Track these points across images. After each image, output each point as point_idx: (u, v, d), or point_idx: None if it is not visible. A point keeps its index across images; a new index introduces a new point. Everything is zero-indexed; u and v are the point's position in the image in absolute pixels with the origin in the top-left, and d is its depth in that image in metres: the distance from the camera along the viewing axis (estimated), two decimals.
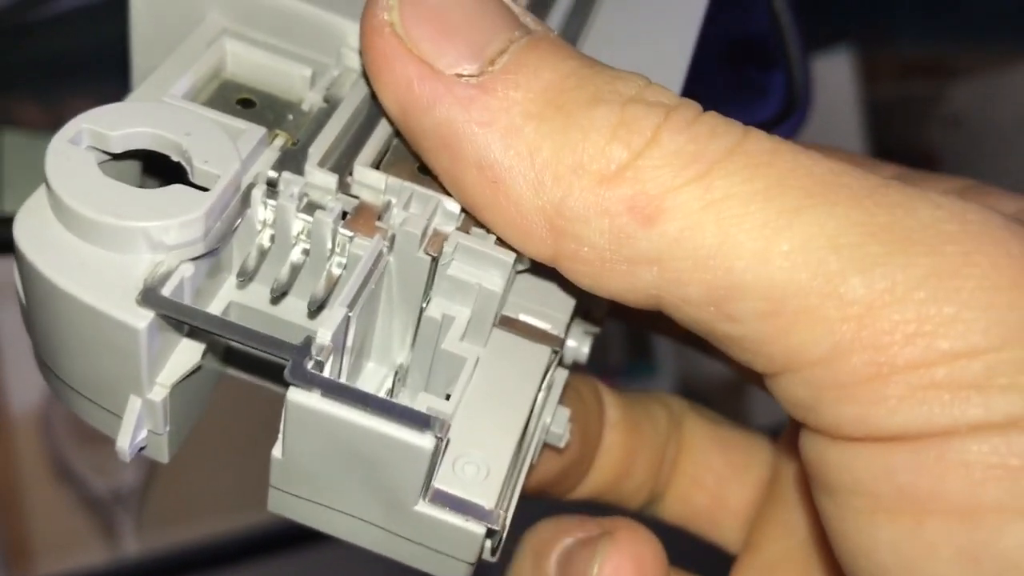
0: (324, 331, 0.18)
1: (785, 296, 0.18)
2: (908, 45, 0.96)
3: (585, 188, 0.19)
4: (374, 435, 0.18)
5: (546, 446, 0.24)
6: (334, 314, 0.19)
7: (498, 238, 0.21)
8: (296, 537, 0.84)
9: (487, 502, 0.19)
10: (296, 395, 0.18)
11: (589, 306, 0.26)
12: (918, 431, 0.18)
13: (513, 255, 0.21)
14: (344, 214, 0.20)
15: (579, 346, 0.25)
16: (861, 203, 0.19)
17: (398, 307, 0.21)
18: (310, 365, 0.18)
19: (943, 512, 0.18)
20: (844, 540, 0.19)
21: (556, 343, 0.22)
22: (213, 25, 0.23)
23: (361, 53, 0.21)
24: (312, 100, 0.23)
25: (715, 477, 0.31)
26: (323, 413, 0.18)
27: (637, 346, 0.93)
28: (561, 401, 0.24)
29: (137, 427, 0.20)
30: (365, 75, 0.22)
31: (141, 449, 0.21)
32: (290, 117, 0.22)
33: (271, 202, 0.20)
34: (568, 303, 0.23)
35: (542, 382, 0.22)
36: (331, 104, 0.22)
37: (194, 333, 0.20)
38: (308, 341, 0.18)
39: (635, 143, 0.19)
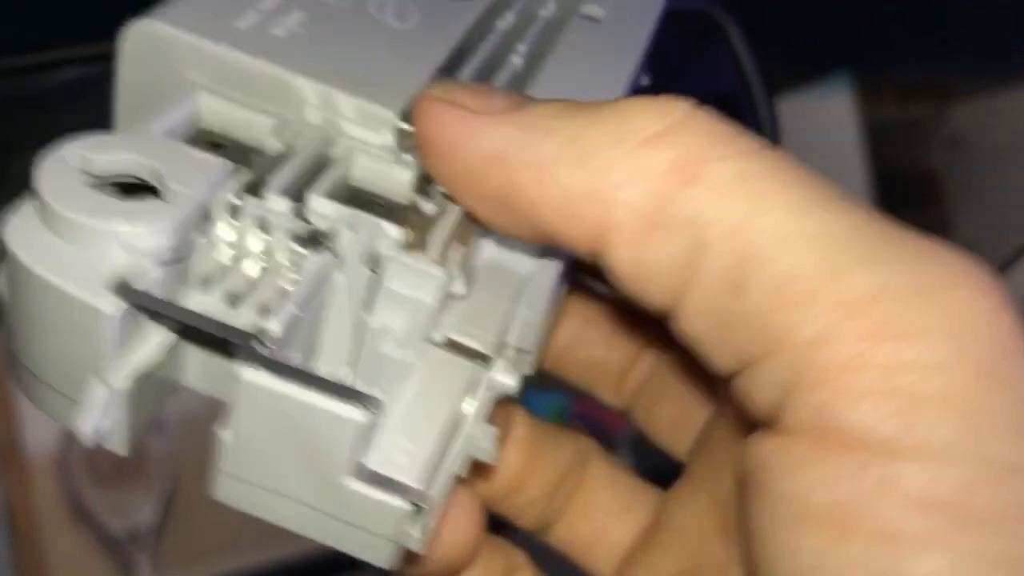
0: (275, 323, 0.21)
1: (792, 276, 0.20)
2: (907, 69, 0.97)
3: (627, 153, 0.21)
4: (312, 409, 0.21)
5: (476, 463, 0.26)
6: (285, 310, 0.22)
7: (431, 258, 0.24)
8: (311, 572, 0.84)
9: (411, 480, 0.22)
10: (246, 373, 0.21)
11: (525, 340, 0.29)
12: (864, 434, 0.19)
13: (443, 270, 0.24)
14: (298, 236, 0.23)
15: (505, 379, 0.27)
16: (873, 215, 0.21)
17: (346, 320, 0.24)
18: (261, 349, 0.21)
19: (866, 533, 0.19)
20: (771, 545, 0.20)
21: (483, 359, 0.25)
22: (191, 85, 0.26)
23: (414, 126, 0.24)
24: (275, 147, 0.25)
25: (601, 512, 0.33)
26: (269, 388, 0.21)
27: None
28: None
29: (101, 413, 0.22)
30: (324, 127, 0.25)
31: (102, 439, 0.23)
32: (254, 159, 0.25)
33: (233, 222, 0.23)
34: (494, 326, 0.26)
35: (467, 392, 0.24)
36: (290, 149, 0.25)
37: (156, 328, 0.23)
38: (259, 330, 0.21)
39: (671, 116, 0.21)
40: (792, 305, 0.20)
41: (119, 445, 0.23)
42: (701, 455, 0.31)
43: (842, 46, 0.92)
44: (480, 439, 0.25)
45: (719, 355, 0.21)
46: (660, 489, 0.33)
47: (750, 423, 0.23)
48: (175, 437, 0.94)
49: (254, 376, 0.21)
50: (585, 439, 0.34)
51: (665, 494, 0.32)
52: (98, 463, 0.91)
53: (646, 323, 0.34)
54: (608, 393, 0.35)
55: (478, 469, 0.29)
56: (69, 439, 0.91)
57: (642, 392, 0.35)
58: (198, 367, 0.25)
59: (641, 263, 0.21)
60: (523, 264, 0.27)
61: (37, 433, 0.87)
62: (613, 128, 0.22)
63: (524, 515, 0.33)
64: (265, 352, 0.21)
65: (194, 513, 0.90)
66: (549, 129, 0.22)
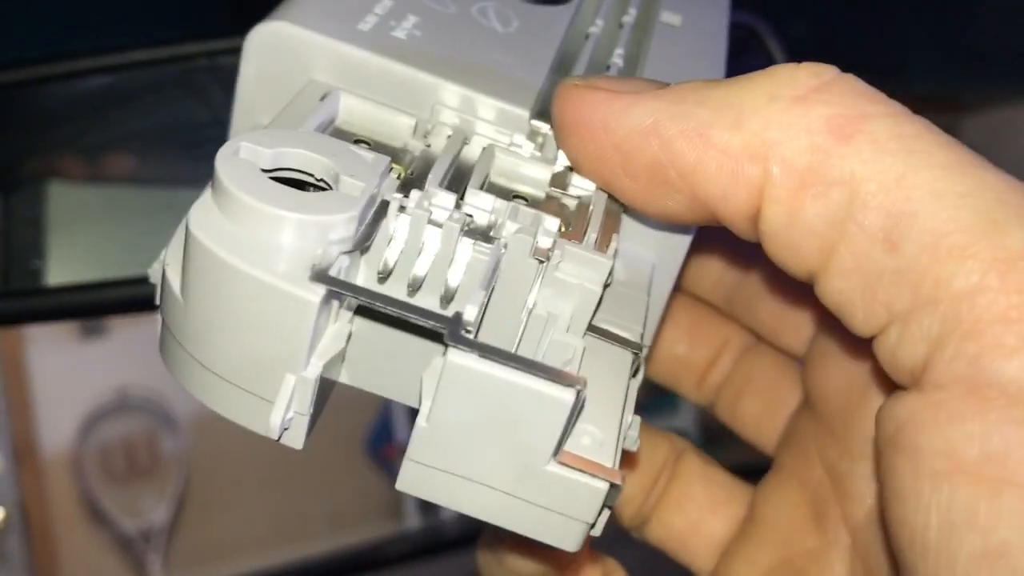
0: (471, 307, 0.21)
1: (949, 231, 0.20)
2: (920, 81, 0.97)
3: (783, 110, 0.21)
4: (524, 390, 0.21)
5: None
6: (476, 295, 0.21)
7: (596, 245, 0.24)
8: (322, 573, 0.85)
9: (608, 463, 0.22)
10: (456, 356, 0.21)
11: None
12: (1021, 386, 0.19)
13: (609, 258, 0.24)
14: (465, 229, 0.24)
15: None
16: (1017, 180, 0.21)
17: (502, 309, 0.24)
18: (463, 333, 0.21)
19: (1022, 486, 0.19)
20: (917, 502, 0.20)
21: (636, 347, 0.25)
22: (320, 85, 0.26)
23: (554, 115, 0.25)
24: (415, 145, 0.26)
25: (695, 506, 0.33)
26: (480, 372, 0.21)
27: (658, 383, 0.94)
28: None
29: (289, 405, 0.22)
30: (458, 128, 0.26)
31: (284, 432, 0.23)
32: (400, 155, 0.25)
33: (402, 216, 0.23)
34: (640, 317, 0.26)
35: (629, 379, 0.24)
36: (432, 149, 0.25)
37: (338, 319, 0.23)
38: (458, 315, 0.21)
39: (823, 75, 0.22)
40: (947, 259, 0.20)
41: (297, 438, 0.23)
42: (788, 448, 0.32)
43: (856, 57, 0.92)
44: (630, 428, 0.25)
45: (866, 313, 0.21)
46: (752, 484, 0.33)
47: (860, 400, 0.22)
48: (188, 438, 0.94)
49: (462, 358, 0.21)
50: (678, 437, 0.34)
51: (756, 488, 0.32)
52: (112, 463, 0.92)
53: (725, 319, 0.34)
54: (691, 390, 0.35)
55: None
56: (83, 439, 0.91)
57: (725, 388, 0.35)
58: (360, 362, 0.25)
59: (794, 222, 0.21)
60: (645, 254, 0.28)
61: (52, 432, 0.87)
62: (766, 88, 0.22)
63: (621, 512, 0.33)
64: (465, 335, 0.21)
65: (206, 513, 0.91)
66: (700, 97, 0.22)
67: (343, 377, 0.25)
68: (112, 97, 0.45)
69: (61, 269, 0.46)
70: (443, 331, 0.21)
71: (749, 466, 0.37)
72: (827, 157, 0.21)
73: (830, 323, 0.28)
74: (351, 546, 0.85)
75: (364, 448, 0.98)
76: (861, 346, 0.23)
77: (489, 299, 0.22)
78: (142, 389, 0.90)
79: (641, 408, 0.28)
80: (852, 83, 0.22)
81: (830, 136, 0.21)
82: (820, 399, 0.30)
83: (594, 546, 0.30)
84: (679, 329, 0.35)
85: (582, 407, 0.22)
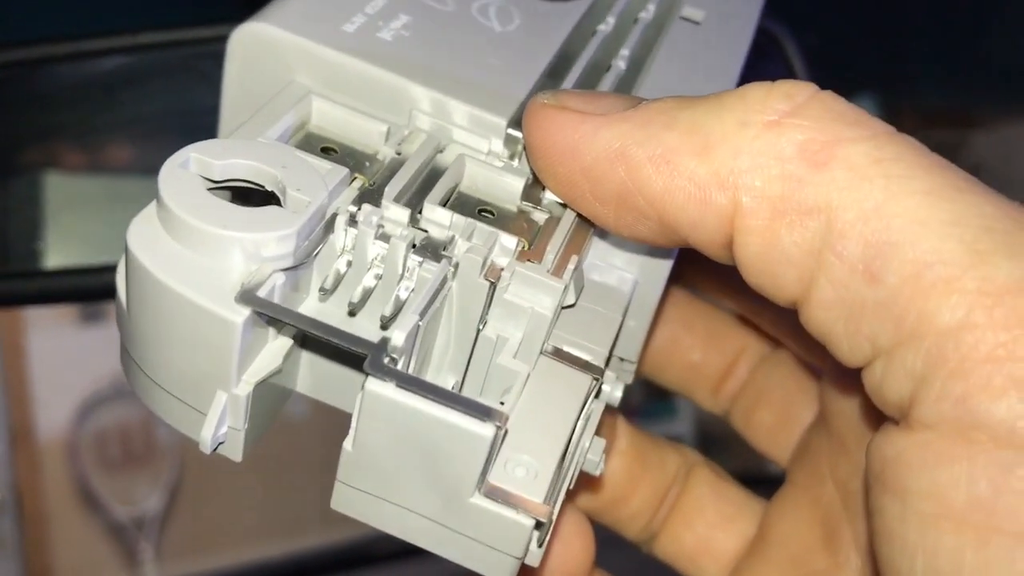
0: (399, 332, 0.21)
1: (933, 262, 0.19)
2: (930, 95, 0.97)
3: (754, 137, 0.20)
4: (441, 423, 0.20)
5: (582, 474, 0.26)
6: (407, 320, 0.21)
7: (549, 271, 0.23)
8: (313, 569, 0.84)
9: (536, 497, 0.21)
10: (373, 385, 0.20)
11: (622, 350, 0.28)
12: (1010, 429, 0.18)
13: (563, 282, 0.23)
14: (414, 245, 0.23)
15: (612, 390, 0.26)
16: (1009, 202, 0.20)
17: (456, 329, 0.23)
18: (386, 360, 0.20)
19: (1012, 534, 0.18)
20: (903, 545, 0.19)
21: (597, 372, 0.24)
22: (299, 87, 0.26)
23: (525, 133, 0.24)
24: (386, 152, 0.25)
25: (705, 522, 0.32)
26: (396, 402, 0.20)
27: (657, 389, 0.94)
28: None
29: (220, 421, 0.22)
30: (433, 133, 0.25)
31: (219, 445, 0.23)
32: (367, 164, 0.25)
33: (351, 230, 0.23)
34: (607, 338, 0.25)
35: (584, 406, 0.23)
36: (403, 156, 0.25)
37: (275, 336, 0.23)
38: (384, 341, 0.20)
39: (797, 97, 0.21)
40: (931, 292, 0.19)
41: (235, 451, 0.23)
42: (802, 463, 0.31)
43: (867, 70, 0.92)
44: (589, 452, 0.25)
45: (849, 345, 0.20)
46: (764, 499, 0.32)
47: (875, 420, 0.21)
48: None
49: (379, 387, 0.20)
50: (689, 450, 0.33)
51: (768, 504, 0.32)
52: (107, 450, 0.92)
53: (743, 327, 0.34)
54: (706, 398, 0.35)
55: (584, 482, 0.28)
56: (79, 425, 0.91)
57: (740, 397, 0.34)
58: (314, 375, 0.25)
59: (770, 252, 0.21)
60: (626, 272, 0.27)
61: (48, 418, 0.87)
62: (736, 113, 0.21)
63: (628, 526, 0.32)
64: (388, 362, 0.20)
65: (200, 503, 0.90)
66: (669, 121, 0.21)
67: (300, 387, 0.25)
68: (120, 80, 0.44)
69: (58, 260, 0.46)
70: (362, 355, 0.20)
71: (749, 474, 0.37)
72: (801, 185, 0.20)
73: None
74: (345, 541, 0.85)
75: None
76: None
77: (428, 320, 0.22)
78: None
79: (638, 414, 0.27)
80: (829, 103, 0.21)
81: (803, 163, 0.20)
82: (835, 415, 0.29)
83: (600, 550, 0.29)
84: (695, 336, 0.34)
85: (504, 440, 0.21)
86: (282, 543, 0.87)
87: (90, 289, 0.43)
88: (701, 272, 0.34)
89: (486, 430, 0.20)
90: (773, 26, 0.49)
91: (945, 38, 0.89)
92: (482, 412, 0.20)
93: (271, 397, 0.23)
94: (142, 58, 0.44)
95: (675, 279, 0.30)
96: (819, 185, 0.20)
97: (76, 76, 0.45)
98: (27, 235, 0.46)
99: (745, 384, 0.34)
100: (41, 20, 0.50)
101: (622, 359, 0.29)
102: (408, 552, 0.87)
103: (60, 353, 0.88)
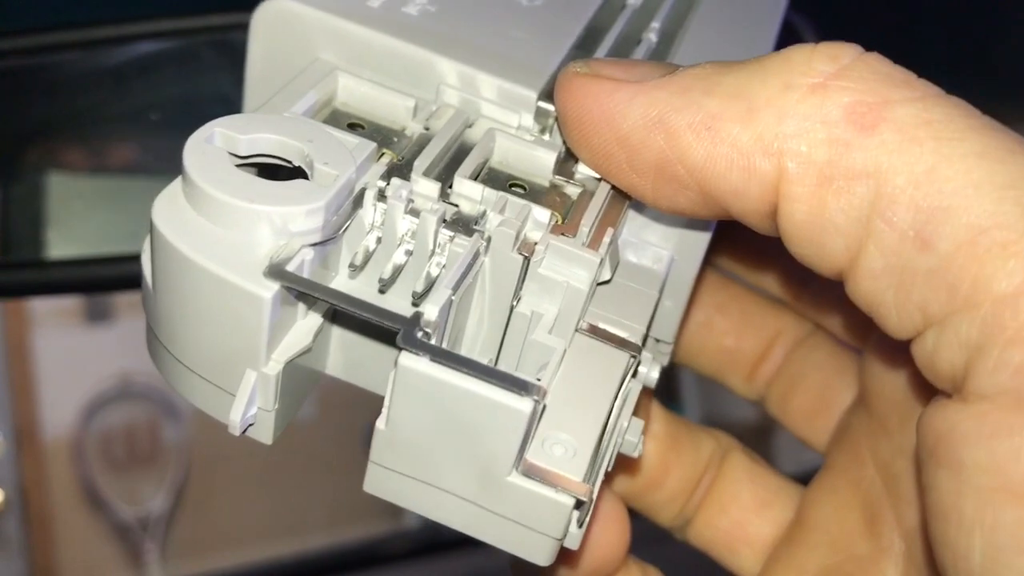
0: (431, 307, 0.20)
1: (988, 227, 0.18)
2: None
3: (798, 100, 0.20)
4: (477, 398, 0.19)
5: (619, 455, 0.25)
6: (439, 294, 0.20)
7: (587, 243, 0.23)
8: (319, 570, 0.84)
9: (575, 476, 0.20)
10: (407, 359, 0.20)
11: (657, 330, 0.27)
12: None
13: (599, 255, 0.22)
14: (444, 219, 0.22)
15: (648, 371, 0.26)
16: None
17: (489, 305, 0.23)
18: (419, 335, 0.20)
19: None
20: (960, 520, 0.18)
21: (634, 349, 0.23)
22: (324, 64, 0.25)
23: (556, 105, 0.23)
24: (413, 128, 0.25)
25: (740, 507, 0.31)
26: (431, 376, 0.20)
27: (663, 385, 0.93)
28: None
29: (250, 401, 0.21)
30: (463, 108, 0.25)
31: (248, 427, 0.22)
32: (395, 140, 0.24)
33: (380, 205, 0.22)
34: (644, 315, 0.24)
35: (621, 383, 0.23)
36: (431, 131, 0.24)
37: (305, 314, 0.22)
38: (417, 315, 0.20)
39: (842, 58, 0.20)
40: (987, 257, 0.18)
41: (264, 434, 0.22)
42: (840, 447, 0.30)
43: None
44: (628, 432, 0.24)
45: (899, 316, 0.20)
46: (801, 484, 0.32)
47: (923, 395, 0.21)
48: (189, 428, 0.94)
49: (413, 362, 0.19)
50: (724, 435, 0.33)
51: (806, 489, 0.31)
52: (112, 450, 0.92)
53: (778, 309, 0.33)
54: (740, 384, 0.34)
55: (620, 464, 0.27)
56: (84, 425, 0.91)
57: (776, 382, 0.33)
58: (345, 355, 0.24)
59: (816, 220, 0.20)
60: (662, 250, 0.26)
61: (53, 417, 0.87)
62: (780, 76, 0.20)
63: (662, 512, 0.32)
64: (421, 336, 0.20)
65: (205, 504, 0.90)
66: (709, 86, 0.20)
67: (330, 369, 0.24)
68: (135, 68, 0.44)
69: (61, 256, 0.45)
70: (395, 331, 0.20)
71: None
72: (848, 150, 0.19)
73: None
74: (350, 542, 0.85)
75: (363, 444, 0.97)
76: None
77: (461, 296, 0.21)
78: (145, 376, 0.90)
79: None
80: (875, 64, 0.20)
81: (851, 126, 0.19)
82: (877, 394, 0.28)
83: (634, 546, 0.29)
84: (729, 320, 0.33)
85: (542, 416, 0.21)
86: (287, 543, 0.87)
87: (94, 280, 0.42)
88: (737, 250, 0.32)
89: (524, 404, 0.19)
90: (795, 18, 0.49)
91: (951, 41, 0.89)
92: (520, 386, 0.19)
93: (301, 379, 0.23)
94: (148, 48, 0.44)
95: (708, 262, 0.29)
96: (867, 149, 0.19)
97: (80, 67, 0.44)
98: (31, 231, 0.46)
99: (781, 368, 0.33)
100: (43, 9, 0.50)
101: (658, 340, 0.28)
102: (413, 553, 0.87)
103: (65, 353, 0.88)
